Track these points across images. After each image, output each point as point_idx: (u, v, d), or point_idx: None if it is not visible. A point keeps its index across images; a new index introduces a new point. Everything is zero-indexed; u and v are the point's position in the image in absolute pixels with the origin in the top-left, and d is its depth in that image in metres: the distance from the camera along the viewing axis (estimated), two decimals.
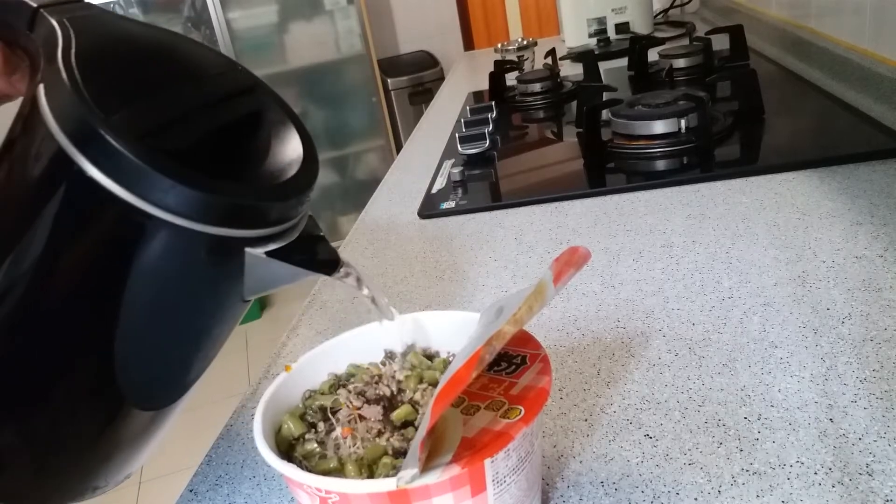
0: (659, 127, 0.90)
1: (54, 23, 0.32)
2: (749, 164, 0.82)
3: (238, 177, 0.33)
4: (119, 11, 2.72)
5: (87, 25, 0.33)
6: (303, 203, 0.35)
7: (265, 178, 0.35)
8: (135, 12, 2.73)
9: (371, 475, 0.35)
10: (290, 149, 0.36)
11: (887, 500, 0.36)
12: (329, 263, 0.37)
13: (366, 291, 0.39)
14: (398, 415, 0.38)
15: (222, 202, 0.30)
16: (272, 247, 0.33)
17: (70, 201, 0.29)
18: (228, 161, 0.34)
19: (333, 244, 0.39)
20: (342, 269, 0.37)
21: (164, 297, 0.32)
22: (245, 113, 0.36)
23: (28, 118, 0.30)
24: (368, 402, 0.39)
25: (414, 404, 0.39)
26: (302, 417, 0.39)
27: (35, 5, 0.33)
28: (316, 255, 0.36)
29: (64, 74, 0.29)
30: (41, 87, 0.29)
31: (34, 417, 0.34)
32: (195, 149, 0.31)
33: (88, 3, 0.36)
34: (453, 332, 0.42)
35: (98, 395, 0.34)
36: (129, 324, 0.32)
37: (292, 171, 0.35)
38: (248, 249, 0.32)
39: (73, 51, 0.30)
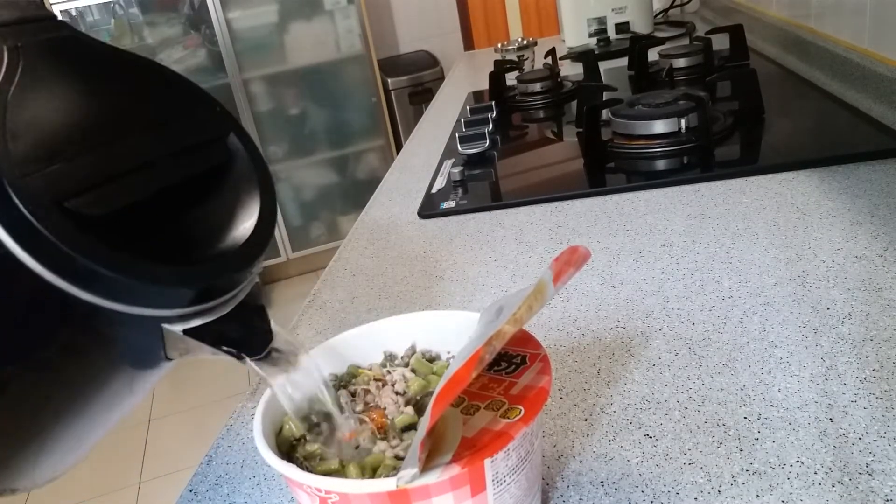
0: (659, 127, 0.90)
1: (4, 49, 0.29)
2: (749, 164, 0.82)
3: (168, 246, 0.31)
4: (118, 11, 2.72)
5: (43, 56, 0.30)
6: (235, 282, 0.32)
7: (203, 247, 0.32)
8: (134, 12, 2.73)
9: (372, 476, 0.35)
10: (243, 216, 0.33)
11: (887, 500, 0.36)
12: (252, 347, 0.34)
13: (279, 382, 0.35)
14: (400, 421, 0.38)
15: (125, 280, 0.27)
16: (194, 324, 0.31)
17: None
18: (162, 227, 0.31)
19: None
20: (272, 357, 0.34)
21: (73, 355, 0.30)
22: (202, 169, 0.33)
23: None
24: (368, 405, 0.39)
25: (416, 409, 0.39)
26: (304, 418, 0.39)
27: None
28: (240, 338, 0.33)
29: None
30: None
31: None
32: (122, 214, 0.29)
33: (58, 23, 0.32)
34: (453, 332, 0.42)
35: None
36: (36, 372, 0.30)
37: (235, 243, 0.32)
38: (163, 325, 0.30)
39: (11, 87, 0.28)
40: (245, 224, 0.33)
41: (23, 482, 0.36)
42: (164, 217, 0.32)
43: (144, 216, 0.30)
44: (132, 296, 0.28)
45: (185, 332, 0.31)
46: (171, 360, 0.33)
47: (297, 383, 0.36)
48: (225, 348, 0.33)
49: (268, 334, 0.35)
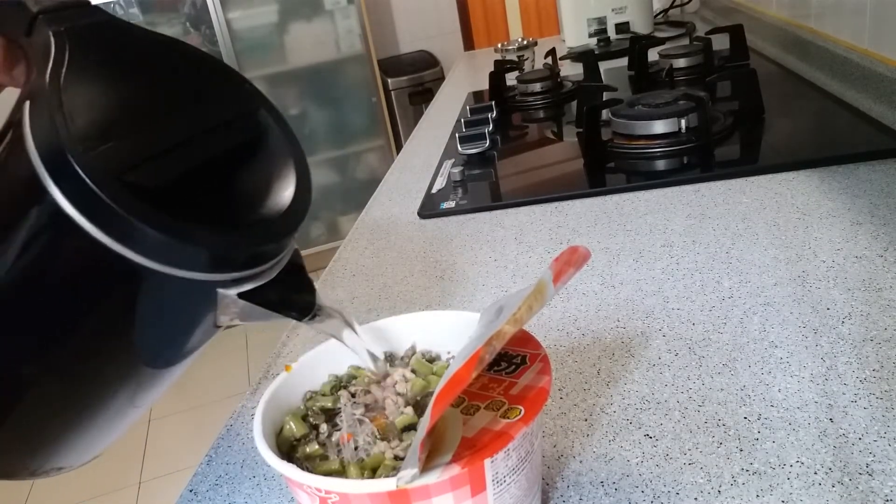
0: (659, 127, 0.90)
1: (50, 34, 0.31)
2: (749, 164, 0.82)
3: (218, 215, 0.32)
4: (119, 11, 2.72)
5: (85, 39, 0.31)
6: (282, 246, 0.33)
7: (248, 215, 0.34)
8: (134, 12, 2.73)
9: (372, 476, 0.35)
10: (281, 185, 0.35)
11: (887, 500, 0.36)
12: (303, 308, 0.36)
13: (347, 339, 0.38)
14: (400, 421, 0.38)
15: (187, 247, 0.29)
16: (246, 287, 0.32)
17: (42, 226, 0.29)
18: (210, 198, 0.33)
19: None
20: (318, 315, 0.36)
21: (130, 319, 0.32)
22: (239, 142, 0.35)
23: (14, 129, 0.29)
24: (368, 406, 0.39)
25: (416, 409, 0.38)
26: (304, 418, 0.39)
27: (34, 11, 0.32)
28: (291, 299, 0.35)
29: (48, 98, 0.28)
30: (27, 105, 0.29)
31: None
32: (174, 186, 0.31)
33: (94, 9, 0.33)
34: (453, 332, 0.42)
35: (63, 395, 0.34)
36: (89, 336, 0.31)
37: (277, 210, 0.34)
38: (219, 290, 0.32)
39: (63, 70, 0.29)
40: (284, 193, 0.35)
41: (70, 460, 0.37)
42: (207, 190, 0.33)
43: (189, 189, 0.32)
44: (192, 261, 0.30)
45: (239, 296, 0.32)
46: (219, 327, 0.34)
47: (349, 339, 0.38)
48: (277, 310, 0.34)
49: (312, 294, 0.37)
